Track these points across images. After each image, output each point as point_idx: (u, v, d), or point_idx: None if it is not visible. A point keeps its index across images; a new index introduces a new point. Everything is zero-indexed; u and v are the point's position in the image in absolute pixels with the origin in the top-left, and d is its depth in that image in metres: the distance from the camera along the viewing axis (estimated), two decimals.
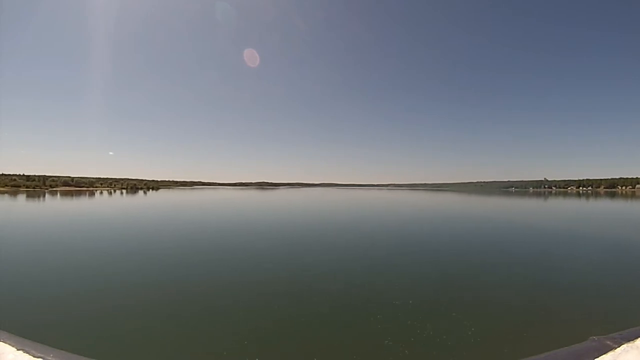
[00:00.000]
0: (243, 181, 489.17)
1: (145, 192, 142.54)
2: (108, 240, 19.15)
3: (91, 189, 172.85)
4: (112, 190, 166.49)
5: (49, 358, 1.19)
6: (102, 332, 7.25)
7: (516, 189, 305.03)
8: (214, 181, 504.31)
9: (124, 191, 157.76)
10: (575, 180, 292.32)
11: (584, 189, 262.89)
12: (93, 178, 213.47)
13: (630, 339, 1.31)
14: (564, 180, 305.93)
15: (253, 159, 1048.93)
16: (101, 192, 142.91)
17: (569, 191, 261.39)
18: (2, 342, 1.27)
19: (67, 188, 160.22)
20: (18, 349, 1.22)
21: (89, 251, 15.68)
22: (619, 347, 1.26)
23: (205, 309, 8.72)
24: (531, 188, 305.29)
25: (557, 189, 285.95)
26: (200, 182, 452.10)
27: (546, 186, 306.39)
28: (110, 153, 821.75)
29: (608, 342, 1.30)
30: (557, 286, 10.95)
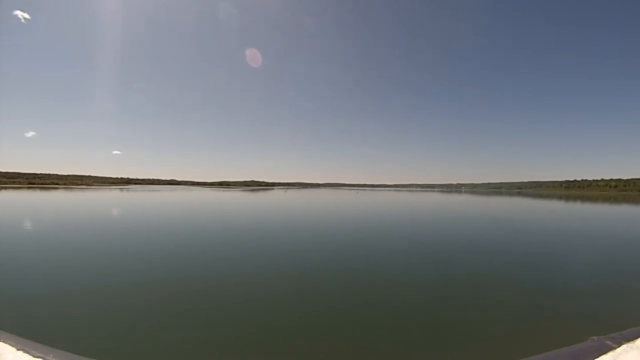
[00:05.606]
0: (229, 180, 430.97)
1: None
2: (107, 239, 17.54)
3: None
4: None
5: (49, 358, 1.16)
6: (102, 332, 6.84)
7: None
8: (197, 180, 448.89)
9: None
10: None
11: None
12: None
13: (630, 339, 1.30)
14: None
15: (249, 157, 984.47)
16: None
17: None
18: (2, 342, 1.25)
19: None
20: (18, 349, 1.21)
21: (89, 250, 14.51)
22: (619, 347, 1.25)
23: (205, 309, 8.20)
24: None
25: None
26: (174, 180, 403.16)
27: None
28: (115, 152, 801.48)
29: (608, 342, 1.29)
30: (557, 286, 10.59)
